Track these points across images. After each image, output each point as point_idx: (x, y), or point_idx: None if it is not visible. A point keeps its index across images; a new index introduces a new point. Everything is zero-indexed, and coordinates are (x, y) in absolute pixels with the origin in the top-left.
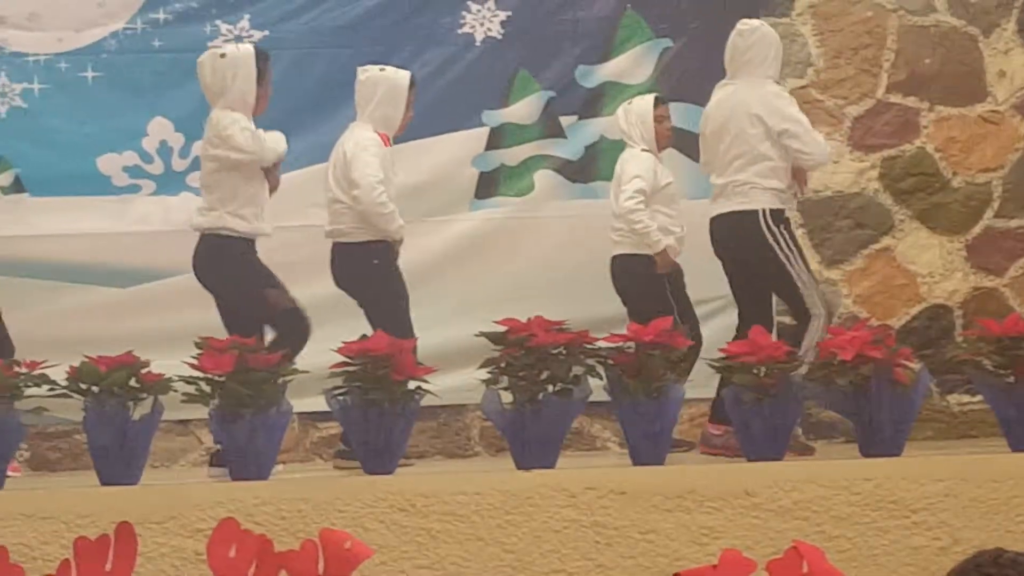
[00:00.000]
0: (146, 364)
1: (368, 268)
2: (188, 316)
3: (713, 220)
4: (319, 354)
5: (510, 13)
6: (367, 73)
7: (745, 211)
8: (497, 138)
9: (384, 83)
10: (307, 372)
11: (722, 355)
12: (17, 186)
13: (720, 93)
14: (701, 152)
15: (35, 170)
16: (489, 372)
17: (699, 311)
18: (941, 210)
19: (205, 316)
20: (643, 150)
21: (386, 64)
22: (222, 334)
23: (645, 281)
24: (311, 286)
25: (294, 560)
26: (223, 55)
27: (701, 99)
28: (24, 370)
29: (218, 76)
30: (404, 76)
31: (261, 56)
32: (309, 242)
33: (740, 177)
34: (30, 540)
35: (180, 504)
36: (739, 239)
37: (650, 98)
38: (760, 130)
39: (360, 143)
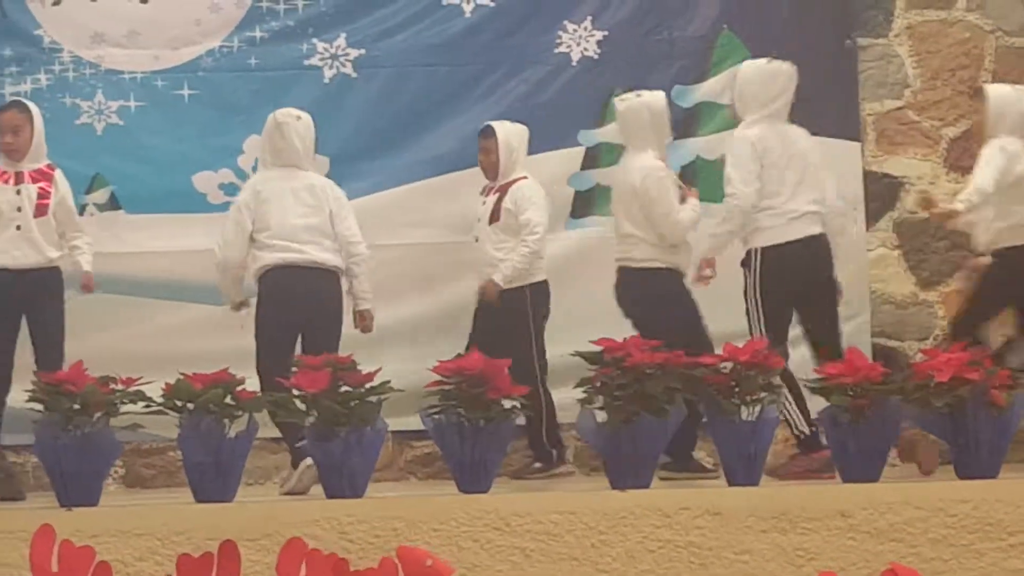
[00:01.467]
0: (241, 382)
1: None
2: None
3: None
4: (415, 373)
5: (607, 32)
6: (627, 102)
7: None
8: (593, 158)
9: (647, 108)
10: (402, 391)
11: (818, 376)
12: (113, 203)
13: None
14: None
15: (131, 187)
16: (585, 391)
17: None
18: None
19: None
20: None
21: (480, 82)
22: None
23: None
24: (408, 304)
25: None
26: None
27: (795, 118)
28: (120, 387)
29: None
30: (662, 97)
31: None
32: (405, 260)
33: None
34: (125, 556)
35: (275, 521)
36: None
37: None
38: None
39: (651, 175)
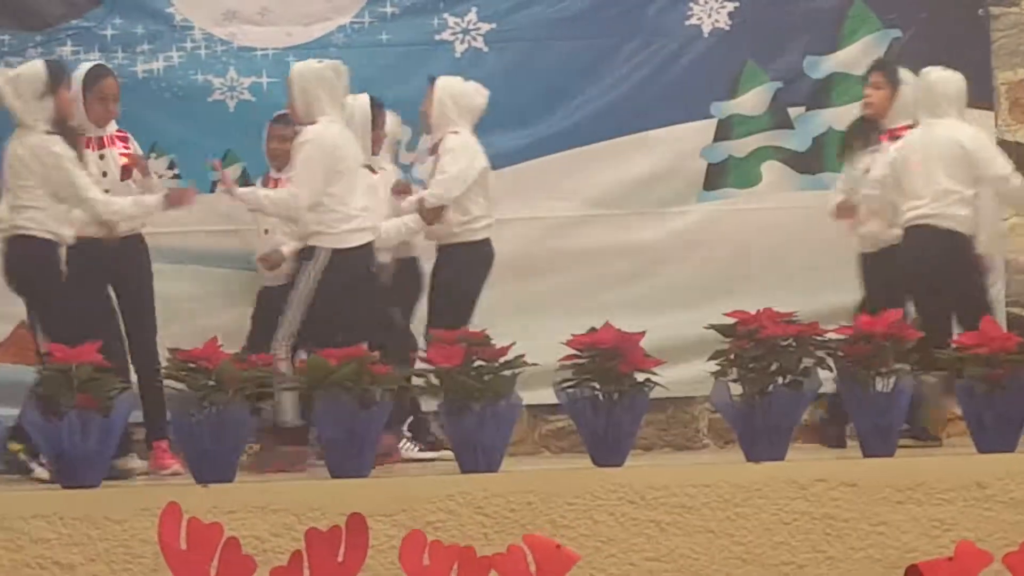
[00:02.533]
0: (375, 357)
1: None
2: (420, 307)
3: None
4: (549, 348)
5: (738, 4)
6: (935, 72)
7: None
8: (725, 129)
9: (953, 82)
10: (536, 365)
11: (953, 347)
12: (244, 180)
13: None
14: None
15: (262, 164)
16: (718, 364)
17: None
18: None
19: None
20: None
21: (610, 55)
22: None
23: None
24: (545, 278)
25: (502, 563)
26: None
27: None
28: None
29: None
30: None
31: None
32: (544, 233)
33: None
34: (261, 532)
35: (410, 497)
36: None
37: None
38: None
39: (978, 136)
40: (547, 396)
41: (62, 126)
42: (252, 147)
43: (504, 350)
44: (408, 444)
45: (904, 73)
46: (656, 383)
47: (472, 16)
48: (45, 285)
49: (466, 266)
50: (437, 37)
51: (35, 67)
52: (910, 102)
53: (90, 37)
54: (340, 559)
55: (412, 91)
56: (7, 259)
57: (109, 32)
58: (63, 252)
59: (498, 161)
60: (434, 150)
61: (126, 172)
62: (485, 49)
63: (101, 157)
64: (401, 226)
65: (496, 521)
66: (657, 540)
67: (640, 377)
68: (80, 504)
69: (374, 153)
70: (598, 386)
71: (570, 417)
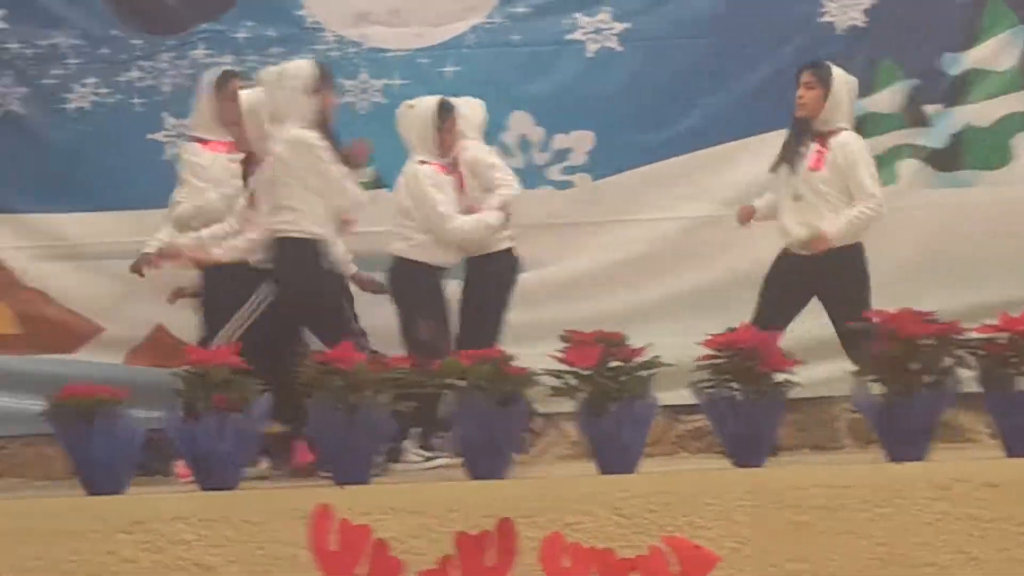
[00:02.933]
0: (511, 357)
1: None
2: (553, 309)
3: None
4: (685, 347)
5: (874, 1)
6: None
7: None
8: (860, 128)
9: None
10: (672, 365)
11: None
12: (377, 182)
13: None
14: None
15: (395, 166)
16: (858, 364)
17: None
18: None
19: (569, 309)
20: None
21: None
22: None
23: None
24: (680, 277)
25: (644, 565)
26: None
27: None
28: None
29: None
30: None
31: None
32: (677, 233)
33: None
34: (399, 534)
35: (549, 497)
36: None
37: None
38: None
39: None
40: (683, 396)
41: (323, 128)
42: (384, 149)
43: (640, 350)
44: (415, 453)
45: (838, 72)
46: (794, 383)
47: (605, 16)
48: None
49: (502, 274)
50: (568, 37)
51: (303, 64)
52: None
53: (222, 40)
54: (489, 563)
55: (543, 91)
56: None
57: (241, 35)
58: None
59: (631, 161)
60: (454, 166)
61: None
62: (619, 49)
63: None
64: (481, 225)
65: (634, 522)
66: (797, 541)
67: (779, 377)
68: (218, 506)
69: (442, 155)
70: (737, 386)
71: (708, 418)
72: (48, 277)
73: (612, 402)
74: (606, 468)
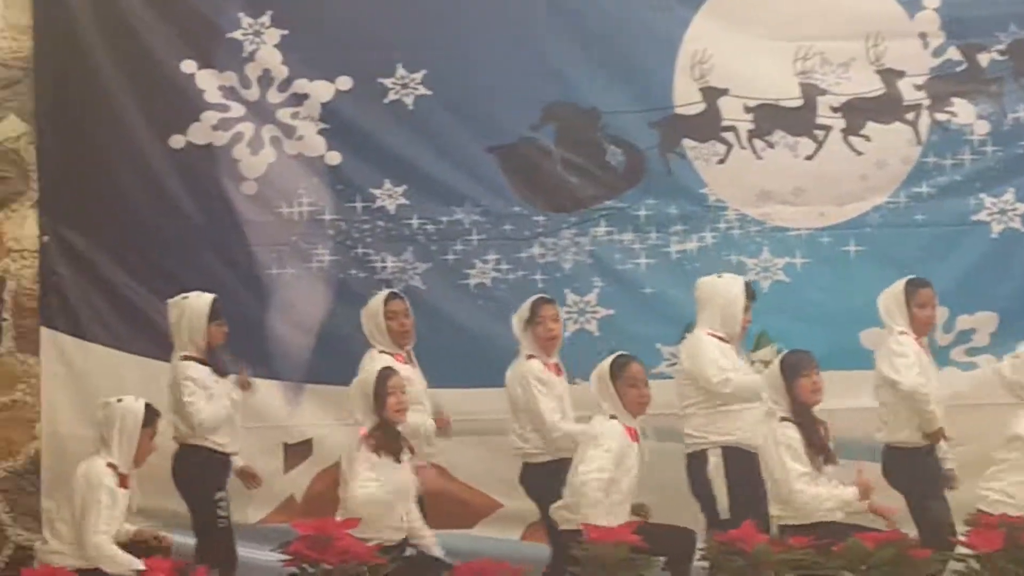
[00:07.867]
0: (915, 541)
1: None
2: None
3: None
4: None
5: None
6: None
7: None
8: None
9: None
10: None
11: None
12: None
13: None
14: None
15: (796, 345)
16: None
17: None
18: None
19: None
20: None
21: None
22: None
23: None
24: None
25: None
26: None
27: None
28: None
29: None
30: None
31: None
32: None
33: None
34: None
35: None
36: None
37: None
38: None
39: None
40: None
41: None
42: (786, 328)
43: None
44: None
45: None
46: None
47: (1010, 196)
48: None
49: None
50: (973, 218)
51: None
52: None
53: (623, 218)
54: None
55: (947, 271)
56: None
57: (643, 212)
58: None
59: None
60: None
61: None
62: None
63: None
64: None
65: None
66: None
67: None
68: None
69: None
70: None
71: None
72: (448, 452)
73: None
74: None
